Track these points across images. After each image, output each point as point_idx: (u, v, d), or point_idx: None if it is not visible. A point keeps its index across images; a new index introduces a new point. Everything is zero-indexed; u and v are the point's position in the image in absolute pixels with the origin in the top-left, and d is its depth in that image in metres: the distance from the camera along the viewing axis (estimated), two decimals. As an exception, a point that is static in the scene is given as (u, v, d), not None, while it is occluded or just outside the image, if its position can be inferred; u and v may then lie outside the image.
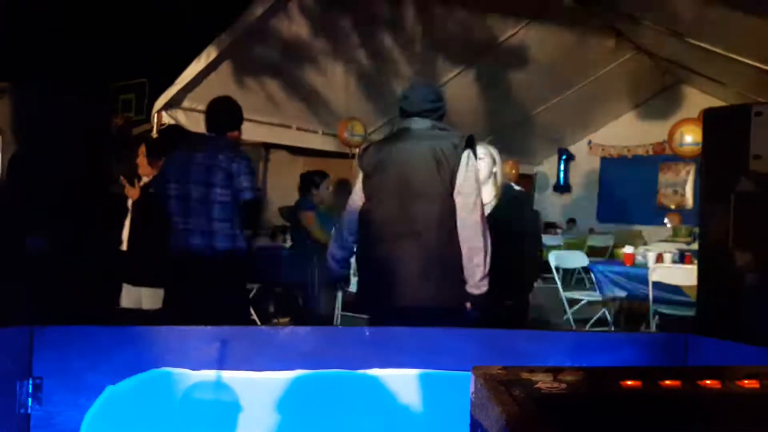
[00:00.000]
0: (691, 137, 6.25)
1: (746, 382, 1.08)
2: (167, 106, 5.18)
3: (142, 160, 3.73)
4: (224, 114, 3.58)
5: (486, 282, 2.50)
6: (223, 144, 3.46)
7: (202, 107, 5.39)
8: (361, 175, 2.68)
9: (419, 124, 2.64)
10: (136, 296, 3.53)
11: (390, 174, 2.57)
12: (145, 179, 3.72)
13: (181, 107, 5.28)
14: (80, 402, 1.57)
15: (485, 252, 2.49)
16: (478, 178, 2.60)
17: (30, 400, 1.55)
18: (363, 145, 2.87)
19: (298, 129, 6.44)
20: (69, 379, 1.57)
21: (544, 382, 1.03)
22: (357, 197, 2.69)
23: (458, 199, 2.50)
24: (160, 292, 3.59)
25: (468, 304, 2.52)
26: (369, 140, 7.09)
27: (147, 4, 7.45)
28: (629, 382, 1.05)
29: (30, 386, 1.55)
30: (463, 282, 2.50)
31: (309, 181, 4.94)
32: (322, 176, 5.01)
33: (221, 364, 1.57)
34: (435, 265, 2.48)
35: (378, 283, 2.58)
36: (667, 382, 1.06)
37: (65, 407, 1.57)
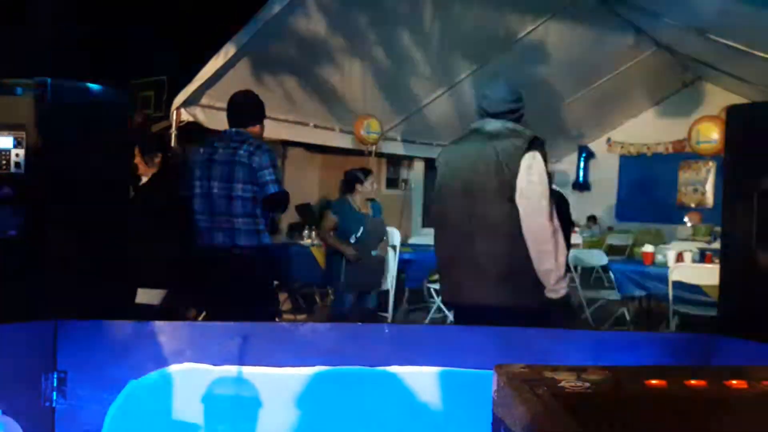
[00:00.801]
0: (711, 135, 6.18)
1: (773, 382, 1.06)
2: (186, 103, 5.21)
3: (138, 161, 3.77)
4: (245, 107, 3.55)
5: (563, 285, 2.43)
6: (243, 138, 3.45)
7: (220, 104, 5.44)
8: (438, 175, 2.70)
9: (491, 125, 2.61)
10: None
11: (454, 175, 2.58)
12: (144, 179, 3.77)
13: (199, 104, 5.31)
14: (103, 396, 1.59)
15: (556, 255, 2.42)
16: (545, 180, 2.48)
17: (54, 393, 1.58)
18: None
19: (315, 126, 6.45)
20: (92, 373, 1.58)
21: (567, 380, 1.03)
22: (434, 196, 2.72)
23: (521, 202, 2.43)
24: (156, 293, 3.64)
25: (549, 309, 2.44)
26: (386, 136, 7.09)
27: (167, 2, 7.51)
28: (654, 382, 1.04)
29: (55, 380, 1.57)
30: (534, 285, 2.43)
31: (353, 178, 4.94)
32: (366, 173, 5.05)
33: (242, 360, 1.58)
34: (496, 267, 2.44)
35: (447, 282, 2.63)
36: (693, 381, 1.05)
37: (89, 401, 1.59)
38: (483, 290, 2.43)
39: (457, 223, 2.54)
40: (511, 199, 2.44)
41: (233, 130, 3.52)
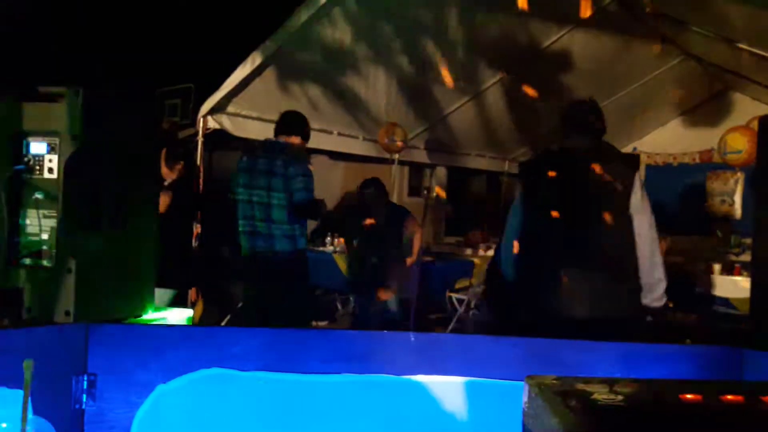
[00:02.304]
0: (738, 145, 6.08)
1: (812, 399, 1.04)
2: (212, 111, 5.27)
3: (162, 165, 3.87)
4: (290, 117, 3.88)
5: (665, 295, 2.64)
6: (282, 148, 3.66)
7: (246, 112, 5.50)
8: (522, 189, 2.76)
9: (586, 141, 2.73)
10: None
11: (554, 189, 2.64)
12: (165, 183, 3.87)
13: (226, 112, 5.36)
14: (132, 399, 1.61)
15: (664, 266, 2.64)
16: (647, 196, 2.68)
17: (84, 395, 1.60)
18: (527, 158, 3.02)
19: (339, 134, 6.48)
20: (122, 376, 1.60)
21: (600, 393, 1.01)
22: (519, 213, 2.74)
23: (637, 217, 2.60)
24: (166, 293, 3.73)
25: (648, 318, 2.66)
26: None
27: (196, 11, 7.61)
28: (689, 396, 1.02)
29: (85, 382, 1.60)
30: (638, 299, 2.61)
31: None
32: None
33: (270, 366, 1.59)
34: (608, 283, 2.57)
35: (547, 295, 2.62)
36: (729, 397, 1.03)
37: (117, 404, 1.61)
38: (597, 302, 2.52)
39: (565, 240, 2.59)
40: (625, 214, 2.58)
41: (273, 139, 3.76)
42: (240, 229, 3.78)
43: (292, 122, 3.90)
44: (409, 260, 5.06)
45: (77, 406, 1.59)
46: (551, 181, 2.68)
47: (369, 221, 4.80)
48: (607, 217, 2.57)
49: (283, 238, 3.66)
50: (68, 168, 2.08)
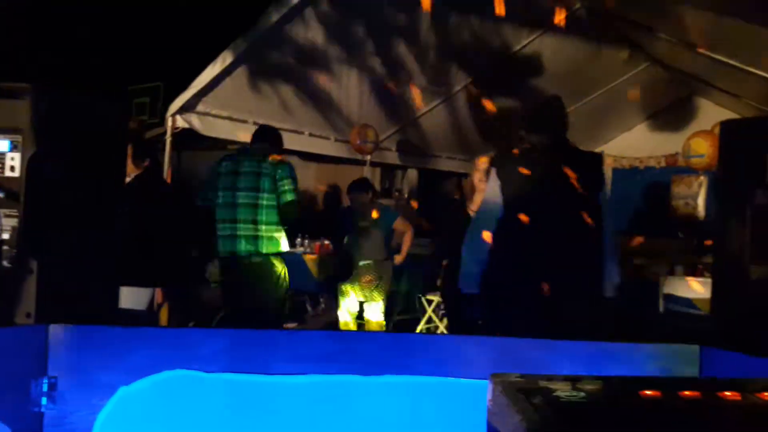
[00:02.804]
0: (701, 149, 6.23)
1: (766, 394, 1.07)
2: (182, 110, 5.21)
3: (129, 161, 3.83)
4: (269, 130, 4.03)
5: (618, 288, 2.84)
6: (266, 152, 3.82)
7: (216, 111, 5.45)
8: (498, 184, 2.78)
9: (550, 139, 2.83)
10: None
11: (534, 187, 2.71)
12: (127, 178, 3.82)
13: (195, 111, 5.31)
14: (93, 402, 1.57)
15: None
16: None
17: (44, 398, 1.56)
18: (492, 156, 3.09)
19: (311, 135, 6.46)
20: (83, 378, 1.57)
21: (563, 390, 1.03)
22: (495, 204, 2.78)
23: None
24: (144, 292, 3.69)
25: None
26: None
27: (164, 9, 7.53)
28: (649, 392, 1.04)
29: (45, 385, 1.56)
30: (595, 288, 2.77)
31: None
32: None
33: (235, 367, 1.57)
34: (578, 274, 2.70)
35: (518, 288, 2.70)
36: (687, 393, 1.05)
37: (78, 407, 1.58)
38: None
39: (535, 232, 2.67)
40: (595, 208, 2.72)
41: (256, 144, 3.80)
42: (220, 232, 3.79)
43: (267, 134, 4.04)
44: (398, 258, 5.08)
45: (37, 410, 1.55)
46: (520, 177, 2.74)
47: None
48: (576, 211, 2.67)
49: (270, 240, 3.71)
50: (31, 166, 2.04)
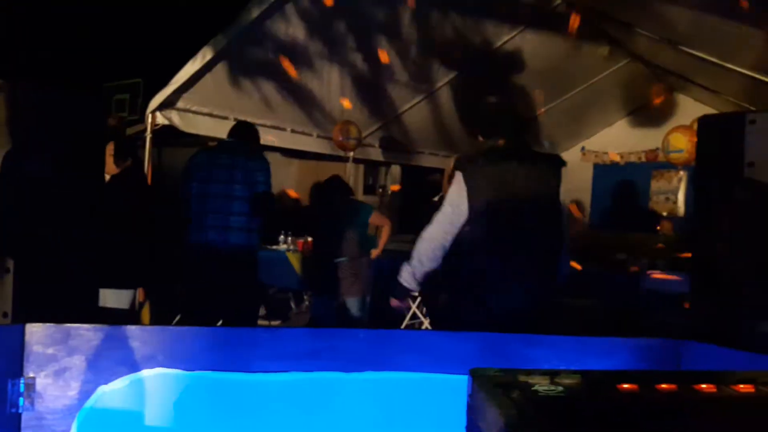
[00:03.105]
0: (680, 144, 6.29)
1: (741, 386, 1.08)
2: (162, 107, 5.15)
3: (108, 159, 3.80)
4: (247, 126, 4.10)
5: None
6: (242, 145, 3.88)
7: (196, 108, 5.41)
8: (466, 191, 2.71)
9: (516, 142, 2.88)
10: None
11: (505, 186, 2.72)
12: (107, 177, 3.79)
13: (175, 108, 5.25)
14: (72, 402, 1.56)
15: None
16: None
17: (21, 399, 1.54)
18: (458, 158, 3.09)
19: (293, 131, 6.43)
20: (61, 378, 1.55)
21: (541, 385, 1.03)
22: (460, 213, 2.72)
23: (563, 210, 2.85)
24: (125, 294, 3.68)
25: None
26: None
27: (143, 4, 7.45)
28: (626, 386, 1.05)
29: (21, 385, 1.54)
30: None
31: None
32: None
33: (215, 365, 1.57)
34: (548, 274, 2.77)
35: (485, 294, 2.69)
36: (664, 386, 1.07)
37: (56, 407, 1.56)
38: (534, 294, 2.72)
39: (511, 237, 2.71)
40: (558, 206, 2.80)
41: (233, 139, 3.98)
42: (194, 222, 3.81)
43: (244, 130, 4.10)
44: (374, 252, 5.06)
45: (14, 410, 1.53)
46: (487, 180, 2.75)
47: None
48: (545, 210, 2.76)
49: (238, 232, 3.74)
50: (5, 164, 2.01)
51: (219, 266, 3.73)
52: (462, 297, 2.76)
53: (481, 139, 2.96)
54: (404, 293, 2.89)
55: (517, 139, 2.91)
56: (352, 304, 4.66)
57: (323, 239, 4.90)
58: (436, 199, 3.81)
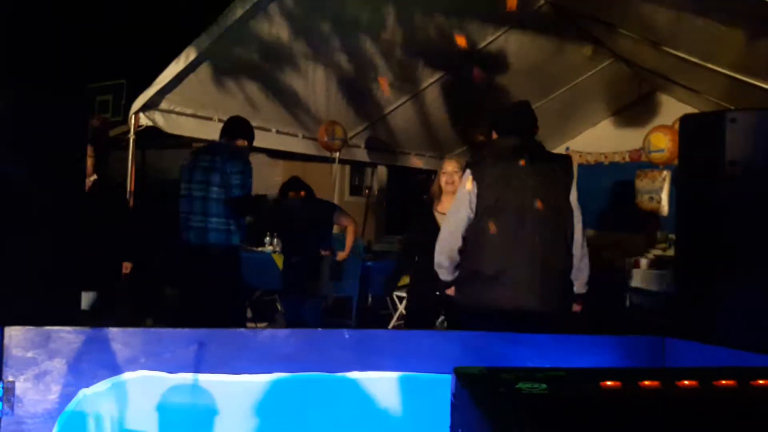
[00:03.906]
0: (660, 144, 6.34)
1: (723, 381, 1.09)
2: (145, 108, 5.11)
3: (89, 162, 3.78)
4: (237, 123, 4.08)
5: (587, 284, 2.93)
6: (225, 148, 3.90)
7: (180, 109, 5.37)
8: (475, 190, 2.81)
9: (527, 141, 2.92)
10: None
11: (511, 190, 2.79)
12: (88, 181, 3.78)
13: (159, 109, 5.21)
14: (53, 405, 1.53)
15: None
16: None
17: (1, 403, 1.52)
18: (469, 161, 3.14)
19: (278, 132, 6.40)
20: (41, 382, 1.53)
21: (524, 382, 1.03)
22: (470, 210, 2.83)
23: (576, 214, 2.88)
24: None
25: (576, 306, 2.91)
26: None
27: (126, 4, 7.39)
28: (609, 383, 1.05)
29: (0, 389, 1.51)
30: (570, 287, 2.86)
31: None
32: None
33: (198, 367, 1.55)
34: (555, 273, 2.79)
35: (493, 291, 2.74)
36: (647, 382, 1.07)
37: (37, 411, 1.54)
38: (542, 293, 2.75)
39: (516, 235, 2.76)
40: (568, 206, 2.84)
41: (219, 141, 4.00)
42: (182, 224, 3.88)
43: (245, 127, 4.11)
44: (341, 255, 5.02)
45: (-8, 415, 1.51)
46: (498, 177, 2.83)
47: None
48: (554, 209, 2.81)
49: (218, 232, 3.78)
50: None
51: (200, 267, 3.77)
52: (468, 294, 2.81)
53: (495, 136, 3.02)
54: (445, 286, 2.99)
55: (529, 138, 2.97)
56: (310, 305, 4.65)
57: (285, 240, 4.93)
58: (425, 197, 3.82)
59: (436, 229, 3.24)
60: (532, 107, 3.16)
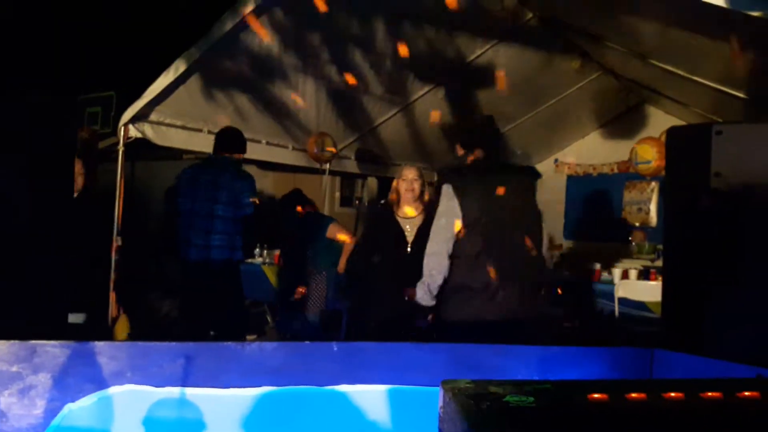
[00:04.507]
0: (647, 156, 6.40)
1: (709, 393, 1.10)
2: (134, 120, 5.10)
3: (79, 179, 3.78)
4: (234, 137, 4.11)
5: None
6: (228, 164, 3.93)
7: (170, 121, 5.36)
8: (456, 202, 2.89)
9: (492, 155, 3.06)
10: None
11: (492, 203, 2.89)
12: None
13: (148, 120, 5.20)
14: (37, 421, 1.52)
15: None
16: None
17: (-16, 419, 1.50)
18: (445, 170, 3.29)
19: (268, 144, 6.40)
20: (26, 396, 1.51)
21: (512, 395, 1.03)
22: (455, 224, 2.90)
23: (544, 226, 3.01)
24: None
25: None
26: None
27: (116, 17, 7.38)
28: (596, 395, 1.06)
29: (-16, 405, 1.50)
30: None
31: None
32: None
33: (186, 381, 1.54)
34: (533, 280, 2.90)
35: (480, 303, 2.82)
36: (633, 394, 1.07)
37: (22, 426, 1.52)
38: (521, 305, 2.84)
39: (496, 248, 2.86)
40: (535, 214, 2.99)
41: (217, 155, 4.00)
42: (182, 239, 3.85)
43: (240, 140, 4.15)
44: (339, 267, 5.01)
45: (-24, 431, 1.49)
46: (479, 191, 2.93)
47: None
48: (528, 219, 2.95)
49: (222, 249, 3.79)
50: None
51: (204, 284, 3.76)
52: (455, 307, 2.84)
53: (461, 151, 3.05)
54: (425, 312, 3.09)
55: (494, 152, 3.10)
56: (307, 319, 4.65)
57: (284, 253, 4.91)
58: (382, 203, 3.86)
59: (399, 231, 3.38)
60: (495, 123, 3.27)
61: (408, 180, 3.69)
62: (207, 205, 3.79)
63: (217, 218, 3.78)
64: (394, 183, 3.76)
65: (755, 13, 2.80)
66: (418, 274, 2.94)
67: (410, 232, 3.57)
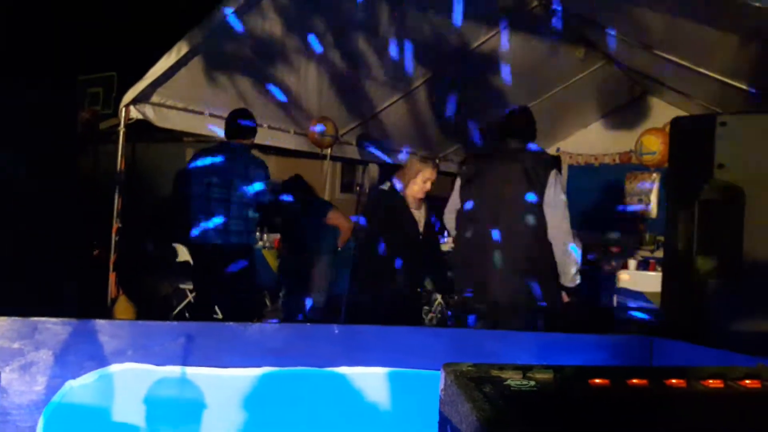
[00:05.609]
0: (652, 147, 6.38)
1: (710, 381, 1.10)
2: (136, 101, 5.07)
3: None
4: (245, 124, 4.11)
5: (578, 276, 3.09)
6: (242, 150, 3.99)
7: (171, 102, 5.33)
8: (459, 183, 3.23)
9: (512, 144, 3.20)
10: None
11: (486, 186, 3.11)
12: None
13: (149, 102, 5.17)
14: (38, 397, 1.52)
15: (575, 253, 3.08)
16: (564, 192, 3.13)
17: (-15, 394, 1.50)
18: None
19: (270, 128, 6.37)
20: (27, 373, 1.52)
21: (513, 379, 1.04)
22: (455, 204, 3.24)
23: (548, 211, 3.02)
24: None
25: (564, 296, 3.10)
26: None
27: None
28: (598, 381, 1.06)
29: (-15, 380, 1.50)
30: (552, 279, 3.04)
31: None
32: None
33: (186, 361, 1.54)
34: (522, 264, 3.00)
35: (471, 280, 3.08)
36: (635, 381, 1.07)
37: (23, 402, 1.52)
38: (510, 284, 2.99)
39: (487, 227, 3.03)
40: (539, 206, 3.01)
41: (233, 142, 4.03)
42: (197, 223, 3.92)
43: (252, 126, 4.16)
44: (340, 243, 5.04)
45: (-23, 406, 1.49)
46: (480, 176, 3.17)
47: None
48: (520, 207, 3.03)
49: (238, 234, 3.87)
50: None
51: (221, 268, 3.83)
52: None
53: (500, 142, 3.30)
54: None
55: (507, 141, 3.22)
56: (305, 302, 4.68)
57: (284, 238, 4.93)
58: (386, 187, 3.87)
59: (413, 220, 3.56)
60: (529, 112, 3.44)
61: (431, 180, 3.73)
62: (223, 191, 3.88)
63: (233, 204, 3.87)
64: (409, 172, 3.72)
65: (756, 3, 2.79)
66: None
67: (420, 221, 3.68)
